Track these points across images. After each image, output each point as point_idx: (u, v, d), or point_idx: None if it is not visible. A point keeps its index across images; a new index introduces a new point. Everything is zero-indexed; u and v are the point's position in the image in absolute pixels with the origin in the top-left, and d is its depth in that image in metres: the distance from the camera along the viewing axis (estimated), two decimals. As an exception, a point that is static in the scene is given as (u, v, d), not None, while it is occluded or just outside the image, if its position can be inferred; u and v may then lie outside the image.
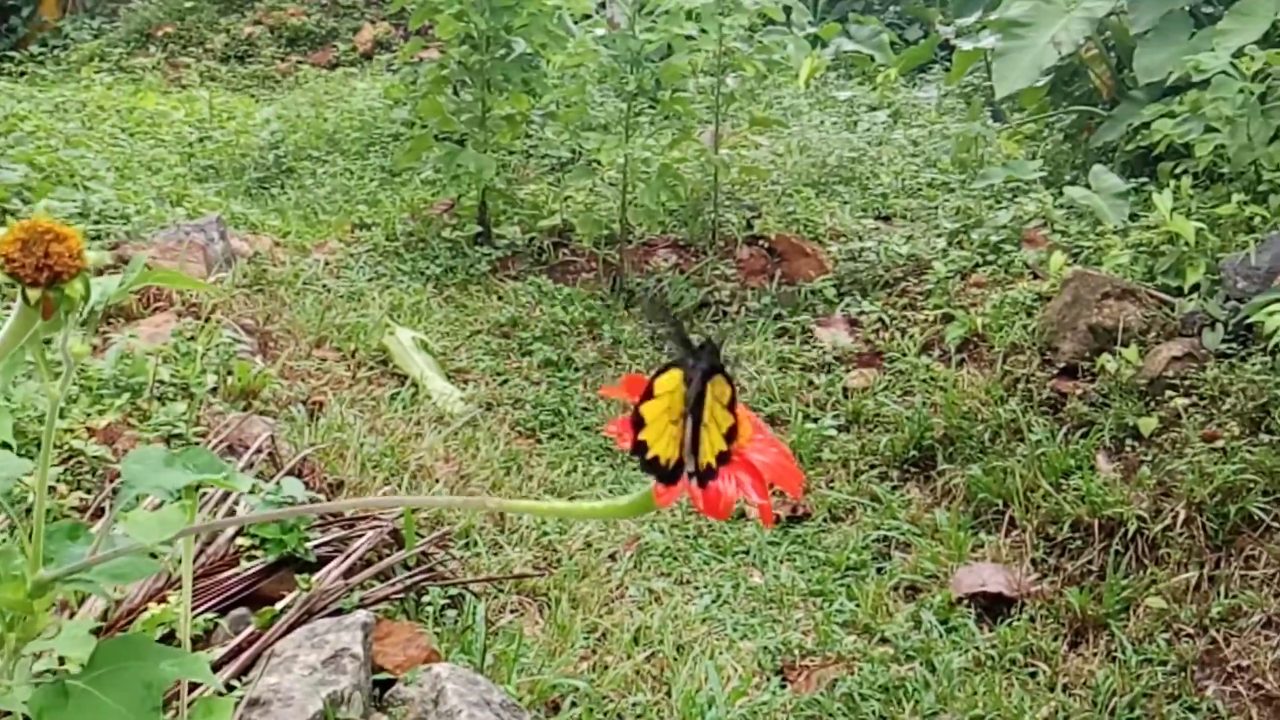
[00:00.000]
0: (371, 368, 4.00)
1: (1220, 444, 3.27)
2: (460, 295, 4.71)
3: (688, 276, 4.83)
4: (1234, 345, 3.60)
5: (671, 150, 5.03)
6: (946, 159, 5.68)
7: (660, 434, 0.75)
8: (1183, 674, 2.90)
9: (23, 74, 7.99)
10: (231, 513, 2.32)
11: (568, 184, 5.39)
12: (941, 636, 3.09)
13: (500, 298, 4.69)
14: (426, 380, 3.97)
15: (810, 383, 4.21)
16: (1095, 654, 3.03)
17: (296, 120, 6.57)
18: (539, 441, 3.92)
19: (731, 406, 0.75)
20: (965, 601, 3.22)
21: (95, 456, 2.59)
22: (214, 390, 3.11)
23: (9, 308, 0.88)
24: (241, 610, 2.19)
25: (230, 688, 1.98)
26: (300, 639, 2.03)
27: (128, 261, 3.94)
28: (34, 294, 0.83)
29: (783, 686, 2.92)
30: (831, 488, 3.74)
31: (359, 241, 5.08)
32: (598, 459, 3.88)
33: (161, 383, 2.95)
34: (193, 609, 2.15)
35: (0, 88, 6.64)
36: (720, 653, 2.97)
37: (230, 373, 3.19)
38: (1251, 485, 3.14)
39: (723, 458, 0.75)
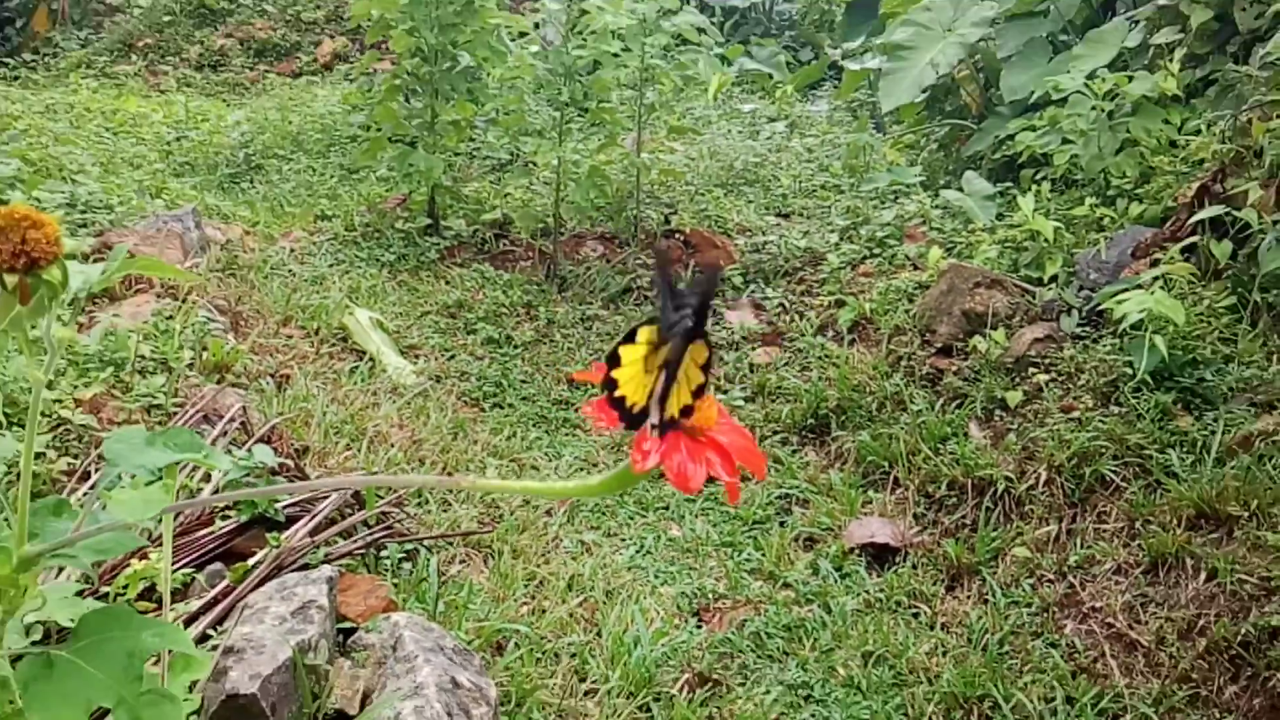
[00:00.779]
0: (333, 344, 3.90)
1: (1076, 414, 3.28)
2: (412, 280, 4.60)
3: (613, 265, 4.77)
4: (1087, 329, 3.61)
5: (599, 154, 4.98)
6: (838, 164, 5.66)
7: (632, 378, 0.69)
8: (1045, 614, 2.89)
9: (16, 79, 7.71)
10: (207, 479, 2.22)
11: (507, 182, 5.30)
12: (836, 582, 3.07)
13: (448, 282, 4.60)
14: (382, 355, 3.88)
15: (721, 359, 4.17)
16: (969, 596, 3.02)
17: (264, 123, 6.39)
18: (483, 410, 3.85)
19: (706, 368, 0.69)
20: (856, 551, 3.19)
21: (82, 425, 2.48)
22: (191, 365, 2.99)
23: None
24: (217, 565, 2.09)
25: (206, 636, 1.89)
26: (271, 592, 1.94)
27: (112, 248, 3.79)
28: (11, 279, 0.75)
29: (699, 627, 2.87)
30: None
31: (321, 231, 4.95)
32: (534, 425, 3.81)
33: (142, 358, 2.83)
34: (172, 565, 2.05)
35: (-5, 90, 6.40)
36: (644, 597, 2.92)
37: (205, 349, 3.08)
38: (1103, 450, 3.15)
39: (686, 411, 0.69)
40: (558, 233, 4.84)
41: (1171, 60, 4.26)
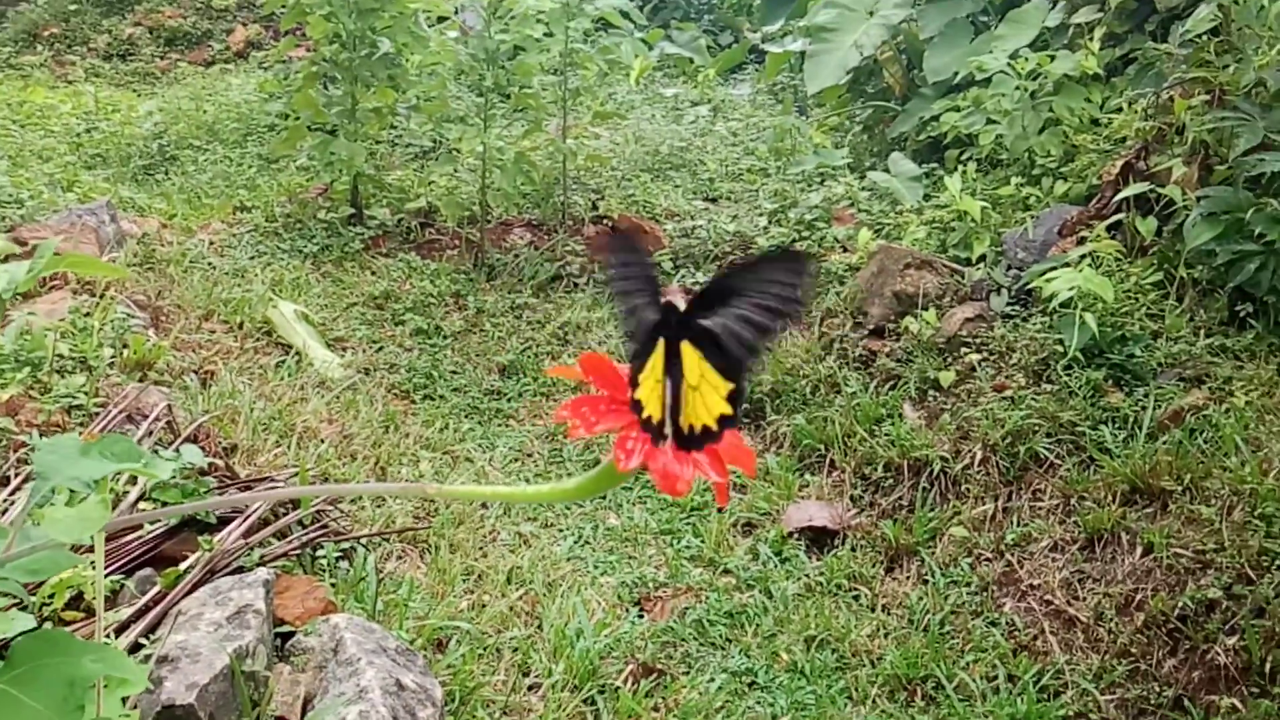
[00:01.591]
0: (257, 338, 3.79)
1: (1009, 393, 3.29)
2: (337, 271, 4.50)
3: (541, 252, 4.71)
4: (1017, 308, 3.63)
5: (524, 140, 4.91)
6: (763, 148, 5.65)
7: (650, 392, 0.64)
8: (984, 593, 2.91)
9: (-85, 71, 7.43)
10: (133, 481, 2.13)
11: (432, 170, 5.21)
12: (776, 567, 3.05)
13: (373, 273, 4.51)
14: (308, 349, 3.79)
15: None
16: (909, 577, 3.02)
17: (178, 112, 6.23)
18: (413, 402, 3.77)
19: (730, 374, 0.64)
20: (795, 535, 3.18)
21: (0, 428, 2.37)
22: (111, 363, 2.89)
23: None
24: (147, 571, 2.01)
25: (139, 645, 1.81)
26: (205, 597, 1.87)
27: (24, 244, 3.66)
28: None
29: (641, 616, 2.85)
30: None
31: (241, 223, 4.83)
32: (466, 417, 3.75)
33: (61, 357, 2.73)
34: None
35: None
36: (585, 588, 2.88)
37: (126, 346, 2.97)
38: (1037, 428, 3.16)
39: (726, 421, 0.64)
40: (484, 220, 4.77)
41: (1092, 39, 4.30)
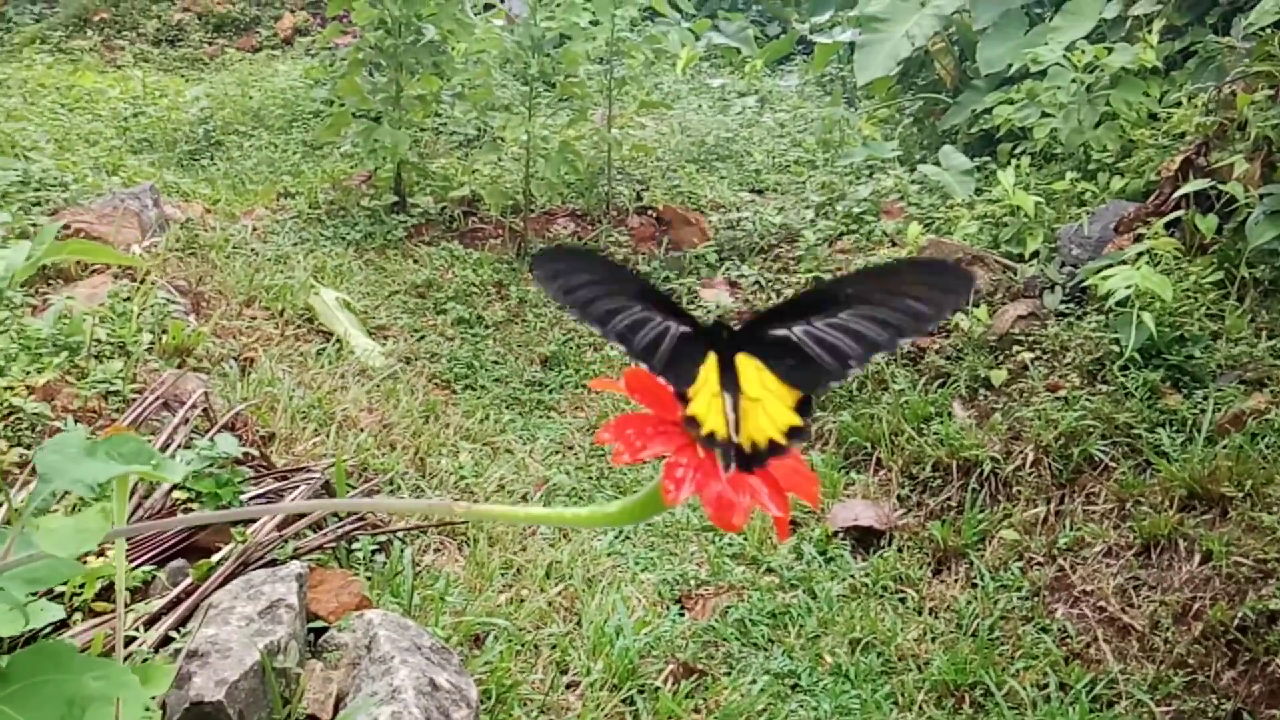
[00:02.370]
0: (298, 326, 3.75)
1: (1062, 393, 3.20)
2: (379, 259, 4.46)
3: (585, 242, 4.65)
4: (1071, 305, 3.53)
5: (569, 129, 4.85)
6: (811, 139, 5.56)
7: (708, 406, 0.57)
8: (1035, 598, 2.82)
9: (-33, 55, 7.47)
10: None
11: (476, 158, 5.16)
12: (821, 566, 2.97)
13: (416, 261, 4.46)
14: (350, 337, 3.74)
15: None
16: (957, 580, 2.93)
17: (224, 98, 6.21)
18: (454, 392, 3.72)
19: (803, 384, 0.57)
20: (841, 534, 3.10)
21: (35, 413, 2.33)
22: (150, 349, 2.85)
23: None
24: (179, 562, 1.96)
25: (168, 639, 1.76)
26: (237, 590, 1.82)
27: (67, 227, 3.63)
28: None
29: (681, 614, 2.78)
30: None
31: (284, 209, 4.79)
32: (508, 407, 3.69)
33: (99, 341, 2.68)
34: (131, 561, 1.92)
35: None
36: (625, 585, 2.81)
37: (165, 331, 2.93)
38: (1091, 430, 3.07)
39: (795, 434, 0.56)
40: (528, 210, 4.72)
41: (1150, 31, 4.17)
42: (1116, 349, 3.22)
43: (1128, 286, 3.16)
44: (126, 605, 1.78)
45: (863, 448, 3.40)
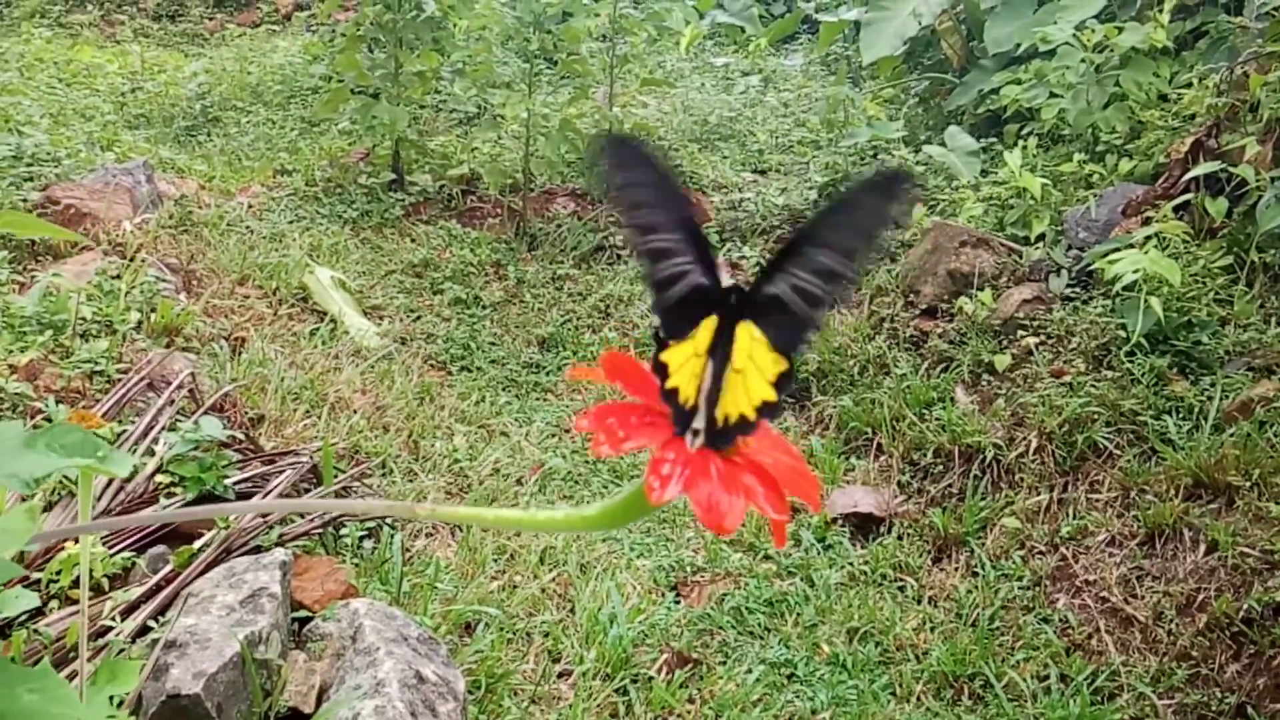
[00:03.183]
0: (292, 305, 3.71)
1: (1067, 379, 3.14)
2: (376, 237, 4.41)
3: (585, 223, 4.60)
4: (1077, 290, 3.48)
5: (569, 107, 4.78)
6: (815, 119, 5.49)
7: (681, 365, 0.52)
8: (1036, 588, 2.78)
9: (-35, 28, 7.40)
10: (150, 453, 2.04)
11: (475, 136, 5.10)
12: (819, 554, 2.93)
13: (413, 240, 4.41)
14: (344, 316, 3.70)
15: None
16: (957, 569, 2.89)
17: (222, 74, 6.15)
18: (450, 374, 3.68)
19: (786, 354, 0.53)
20: (839, 521, 3.06)
21: (16, 393, 2.28)
22: (137, 327, 2.80)
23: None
24: (160, 548, 1.92)
25: (147, 628, 1.72)
26: (218, 578, 1.77)
27: (56, 203, 3.59)
28: None
29: (677, 602, 2.73)
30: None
31: (280, 186, 4.74)
32: (504, 390, 3.65)
33: (84, 320, 2.64)
34: (110, 547, 1.88)
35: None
36: (620, 571, 2.78)
37: (154, 310, 2.88)
38: (1096, 417, 3.02)
39: (766, 409, 0.52)
40: (527, 189, 4.66)
41: (1161, 11, 4.10)
42: (1123, 334, 3.16)
43: (1135, 271, 3.10)
44: (104, 593, 1.74)
45: (863, 433, 3.36)
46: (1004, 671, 2.52)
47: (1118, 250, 3.29)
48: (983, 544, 2.92)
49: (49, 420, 2.13)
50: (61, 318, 2.55)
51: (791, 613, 2.71)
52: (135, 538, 1.90)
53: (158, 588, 1.79)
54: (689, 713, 2.34)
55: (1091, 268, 3.43)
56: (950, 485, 3.12)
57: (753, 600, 2.73)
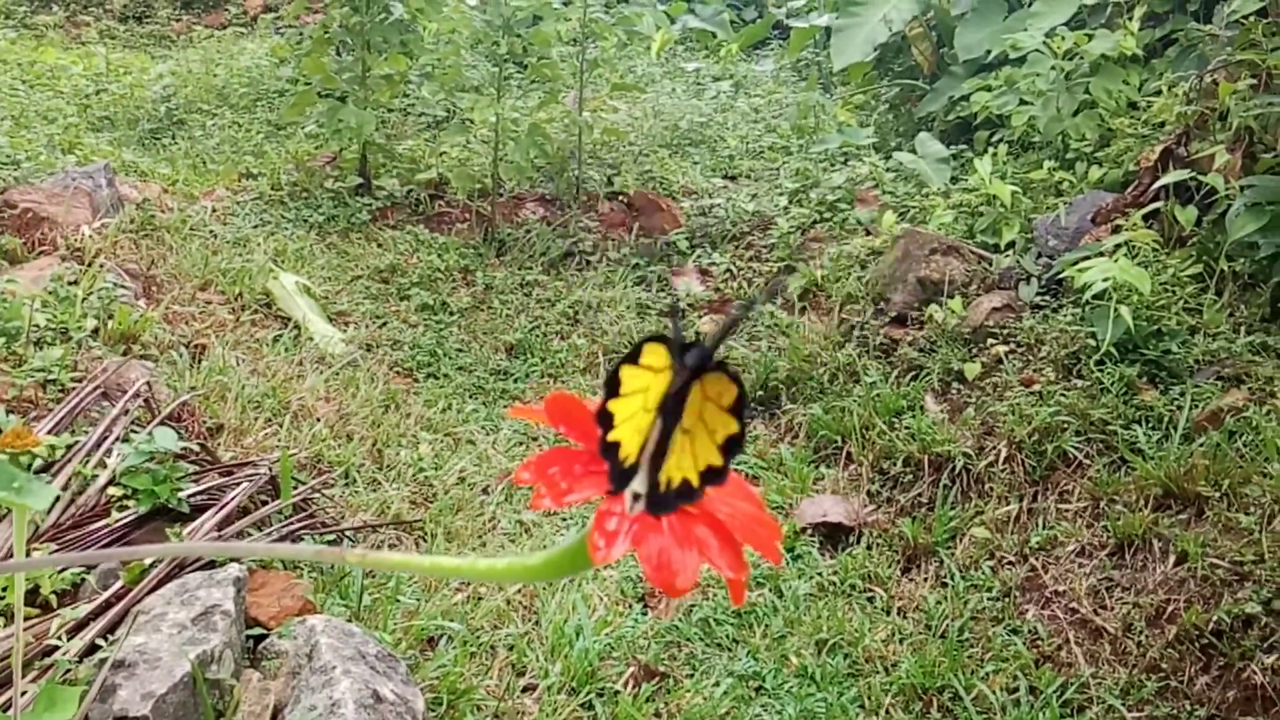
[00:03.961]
0: (255, 311, 3.65)
1: (1037, 388, 3.13)
2: (342, 242, 4.36)
3: (554, 228, 4.56)
4: (1047, 298, 3.47)
5: (539, 111, 4.75)
6: (785, 125, 5.48)
7: (633, 417, 0.48)
8: (1006, 599, 2.75)
9: (-73, 28, 7.28)
10: (103, 465, 1.99)
11: (443, 140, 5.05)
12: (788, 564, 2.90)
13: (380, 245, 4.36)
14: (309, 323, 3.64)
15: (666, 328, 3.96)
16: (926, 579, 2.87)
17: (188, 76, 6.07)
18: (416, 381, 3.63)
19: (736, 409, 0.48)
20: (809, 531, 3.03)
21: (-34, 403, 2.23)
22: (94, 334, 2.74)
23: None
24: (112, 564, 1.87)
25: (95, 647, 1.67)
26: (170, 595, 1.72)
27: (14, 206, 3.52)
28: None
29: (644, 614, 2.70)
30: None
31: (245, 190, 4.68)
32: (471, 397, 3.60)
33: (38, 327, 2.58)
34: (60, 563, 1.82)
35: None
36: (586, 582, 2.73)
37: (111, 316, 2.83)
38: (1065, 426, 3.00)
39: (711, 475, 0.48)
40: (496, 194, 4.62)
41: (1131, 19, 4.11)
42: (1092, 343, 3.15)
43: (1105, 279, 3.10)
44: (51, 610, 1.69)
45: (833, 441, 3.33)
46: (973, 684, 2.50)
47: (1088, 258, 3.28)
48: (952, 554, 2.90)
49: (-1, 431, 2.07)
50: (15, 325, 2.49)
51: (760, 624, 2.68)
52: (87, 549, 1.85)
53: (107, 604, 1.74)
54: (655, 728, 2.31)
55: (1061, 276, 3.42)
56: (920, 494, 3.10)
57: (721, 611, 2.70)
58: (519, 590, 2.64)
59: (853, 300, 3.78)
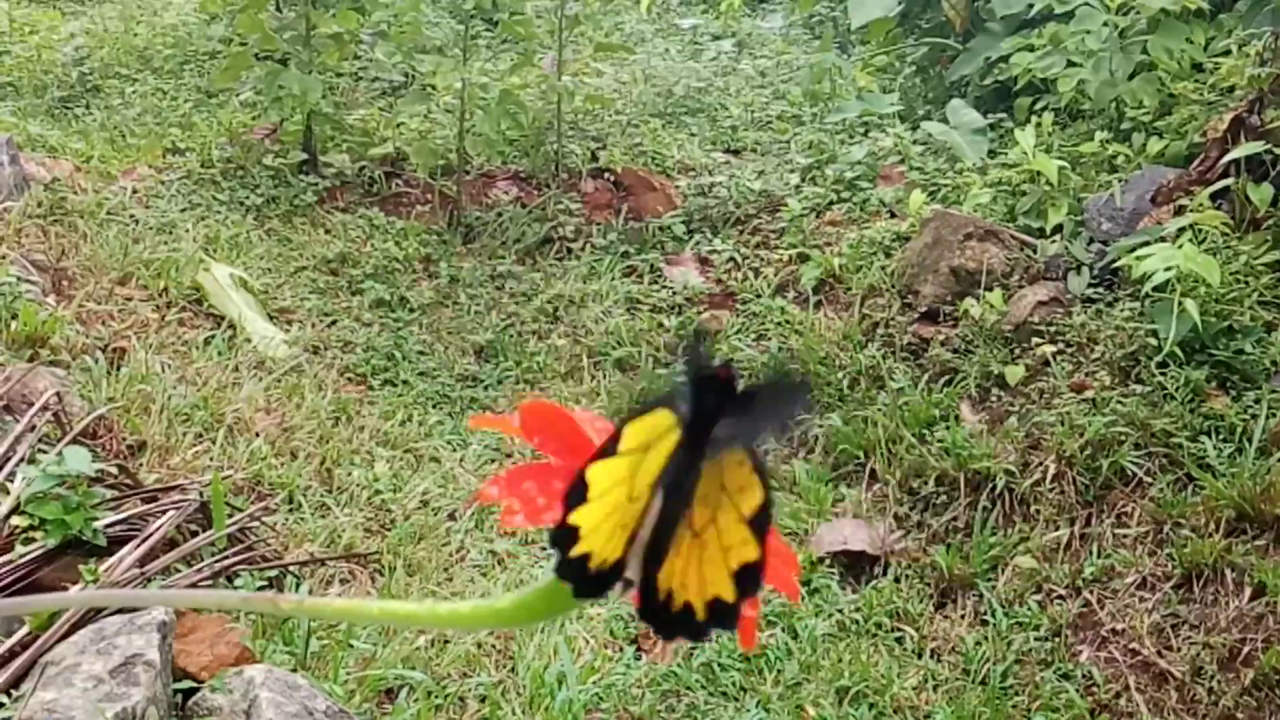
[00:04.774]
0: (184, 308, 3.65)
1: (1090, 394, 3.16)
2: (284, 228, 4.35)
3: (530, 211, 4.56)
4: (1100, 290, 3.49)
5: (512, 76, 4.74)
6: (796, 91, 5.48)
7: (608, 514, 0.45)
8: (1056, 638, 2.78)
9: None
10: (4, 490, 1.97)
11: (401, 110, 5.05)
12: (804, 600, 2.90)
13: (328, 231, 4.35)
14: (246, 322, 3.64)
15: (660, 325, 3.97)
16: (964, 617, 2.88)
17: (104, 35, 6.05)
18: (370, 389, 3.63)
19: (759, 522, 0.45)
20: (827, 560, 3.04)
21: None
22: (-6, 337, 2.73)
23: None
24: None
25: (-4, 705, 1.65)
26: (84, 643, 1.71)
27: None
28: None
29: (637, 658, 2.71)
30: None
31: (171, 168, 4.67)
32: (434, 407, 3.61)
33: (-72, 330, 2.57)
34: (-45, 605, 1.80)
35: None
36: (570, 622, 2.73)
37: (14, 317, 2.81)
38: (1123, 438, 3.02)
39: (718, 612, 0.45)
40: (462, 171, 4.62)
41: (1195, -33, 4.12)
42: (1154, 342, 3.17)
43: (1167, 268, 3.11)
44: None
45: (854, 457, 3.34)
46: (1019, 738, 2.51)
47: (1147, 244, 3.30)
48: (993, 587, 2.92)
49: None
50: (-99, 327, 2.47)
51: (771, 669, 2.69)
52: (-15, 593, 1.83)
53: (11, 654, 1.72)
54: (651, 792, 2.31)
55: (1117, 264, 3.44)
56: (955, 518, 3.12)
57: (726, 655, 2.71)
58: (492, 632, 2.64)
59: (875, 293, 3.79)
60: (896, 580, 2.97)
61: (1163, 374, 3.12)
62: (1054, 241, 3.69)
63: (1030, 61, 4.33)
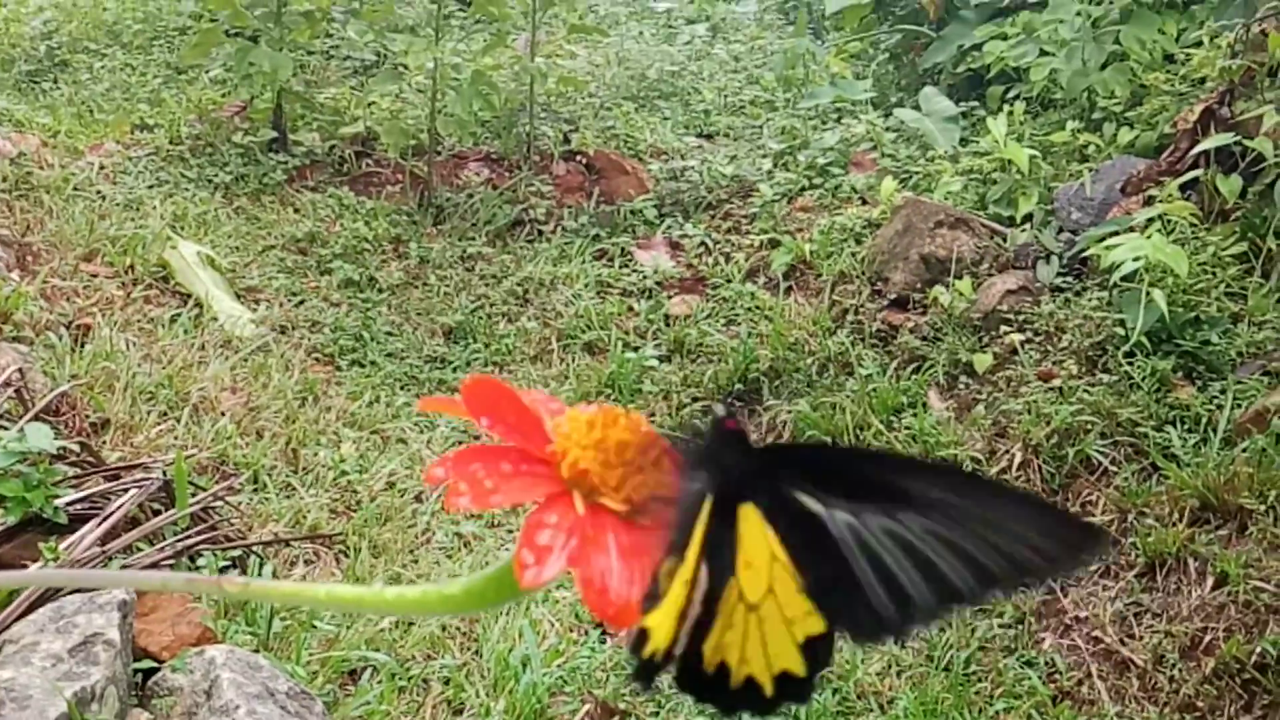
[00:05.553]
0: (150, 286, 3.63)
1: (1057, 383, 3.17)
2: (252, 206, 4.33)
3: (501, 192, 4.55)
4: (1070, 279, 3.51)
5: (484, 56, 4.73)
6: (770, 76, 5.49)
7: (670, 606, 0.44)
8: (1019, 626, 2.78)
9: None
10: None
11: (372, 89, 5.02)
12: (769, 585, 2.90)
13: (297, 210, 4.33)
14: (212, 300, 3.63)
15: (630, 309, 3.98)
16: (929, 604, 2.87)
17: (73, 9, 6.01)
18: (338, 369, 3.62)
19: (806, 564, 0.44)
20: (793, 547, 3.03)
21: None
22: (-43, 313, 2.71)
23: None
24: (-27, 584, 1.84)
25: (-47, 683, 1.63)
26: (43, 622, 1.70)
27: None
28: None
29: (602, 641, 2.69)
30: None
31: (139, 144, 4.64)
32: (402, 388, 3.60)
33: (-111, 305, 2.55)
34: (-87, 582, 1.78)
35: None
36: (535, 605, 2.72)
37: (-23, 292, 2.80)
38: (1089, 426, 3.04)
39: (788, 687, 0.44)
40: (433, 152, 4.61)
41: (1168, -41, 4.13)
42: (1121, 332, 3.19)
43: (1136, 258, 3.13)
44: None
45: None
46: (981, 724, 2.52)
47: (1116, 234, 3.32)
48: (958, 574, 2.91)
49: None
50: None
51: (736, 654, 2.68)
52: (-58, 571, 1.82)
53: (-32, 633, 1.71)
54: (614, 776, 2.31)
55: (1086, 254, 3.46)
56: (921, 505, 3.12)
57: (691, 640, 2.70)
58: (456, 615, 2.63)
59: (846, 280, 3.80)
60: (862, 566, 2.97)
61: (1129, 363, 3.13)
62: (1024, 230, 3.71)
63: (1003, 50, 4.36)
